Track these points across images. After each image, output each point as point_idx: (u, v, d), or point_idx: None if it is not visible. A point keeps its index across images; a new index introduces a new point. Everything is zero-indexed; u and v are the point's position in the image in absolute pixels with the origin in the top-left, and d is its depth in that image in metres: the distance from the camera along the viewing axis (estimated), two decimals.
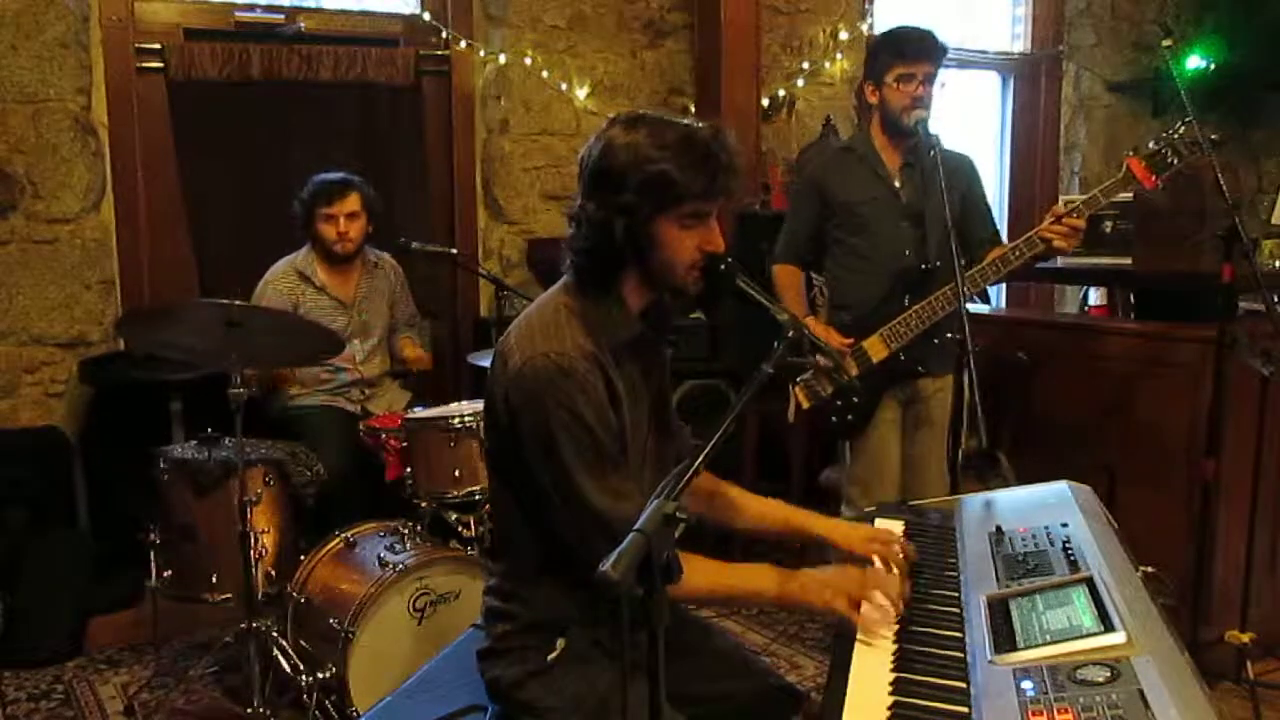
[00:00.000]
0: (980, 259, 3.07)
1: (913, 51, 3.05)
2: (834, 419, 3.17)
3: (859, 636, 1.60)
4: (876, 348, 3.08)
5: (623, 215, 1.68)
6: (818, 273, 3.39)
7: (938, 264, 3.09)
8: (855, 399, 3.12)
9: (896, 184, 3.16)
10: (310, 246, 3.68)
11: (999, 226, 3.40)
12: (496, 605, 1.86)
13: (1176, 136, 2.81)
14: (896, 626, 1.63)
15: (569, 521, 1.70)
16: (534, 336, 1.72)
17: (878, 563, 1.84)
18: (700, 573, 1.70)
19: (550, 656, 1.78)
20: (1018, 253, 2.98)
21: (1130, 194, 3.01)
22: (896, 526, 2.05)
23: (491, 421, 1.81)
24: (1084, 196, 2.97)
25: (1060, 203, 3.06)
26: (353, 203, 3.61)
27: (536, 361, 1.68)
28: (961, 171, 3.20)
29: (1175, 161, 2.81)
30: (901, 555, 1.83)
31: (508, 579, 1.87)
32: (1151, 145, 2.84)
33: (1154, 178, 2.82)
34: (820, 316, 3.29)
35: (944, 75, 3.14)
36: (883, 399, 3.16)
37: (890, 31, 3.18)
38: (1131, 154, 2.86)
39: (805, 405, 3.16)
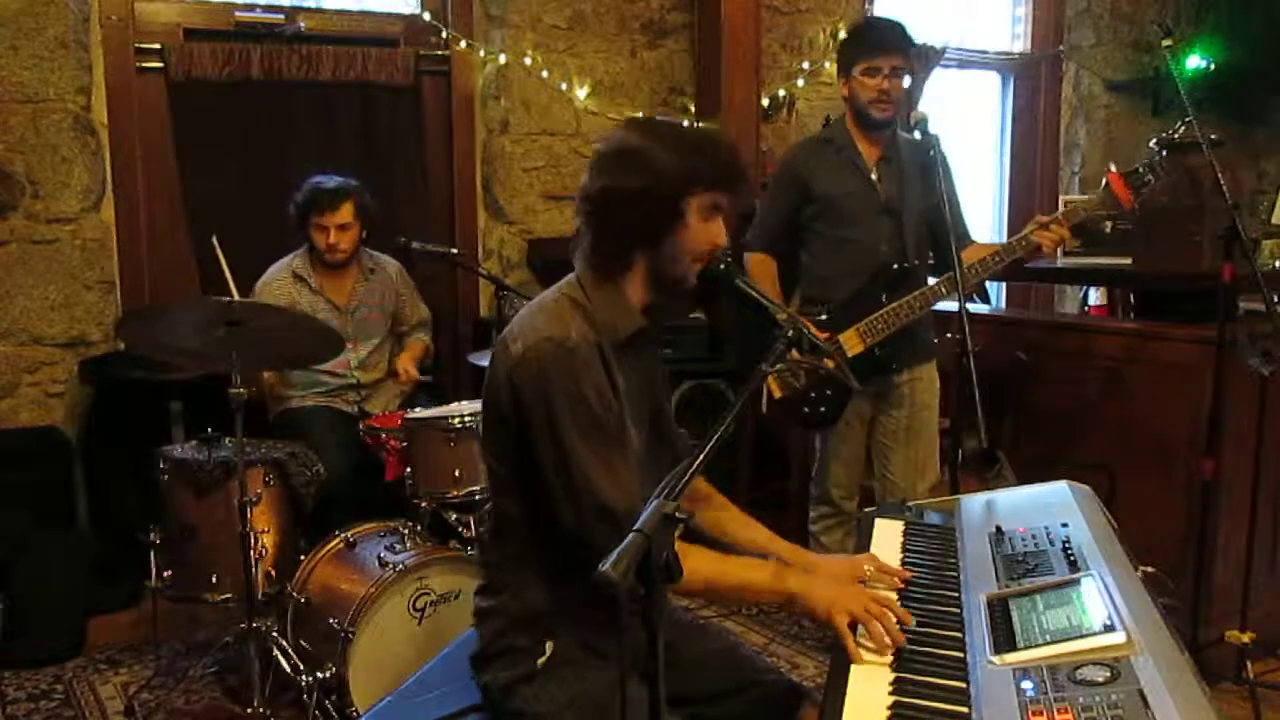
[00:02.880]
0: (949, 253, 3.06)
1: (874, 43, 3.03)
2: (806, 410, 3.16)
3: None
4: (852, 342, 3.07)
5: (655, 187, 1.71)
6: (790, 264, 3.35)
7: (916, 262, 3.09)
8: (828, 392, 3.11)
9: (874, 177, 3.15)
10: (307, 248, 3.68)
11: (998, 224, 3.40)
12: (485, 605, 1.87)
13: (1157, 157, 2.85)
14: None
15: (571, 506, 1.71)
16: (537, 324, 1.75)
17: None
18: (699, 563, 1.71)
19: (539, 660, 1.79)
20: (997, 258, 3.00)
21: (1107, 211, 3.02)
22: (896, 527, 2.05)
23: (493, 407, 1.82)
24: (1066, 209, 3.00)
25: (1060, 203, 3.07)
26: (345, 213, 3.58)
27: (541, 346, 1.71)
28: (942, 165, 3.20)
29: (1151, 180, 2.85)
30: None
31: (495, 572, 1.88)
32: (1134, 165, 2.87)
33: (1130, 194, 2.85)
34: (794, 306, 3.27)
35: (903, 63, 3.10)
36: (854, 394, 3.16)
37: (856, 24, 3.19)
38: (1110, 169, 2.90)
39: (777, 395, 3.15)
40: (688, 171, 1.72)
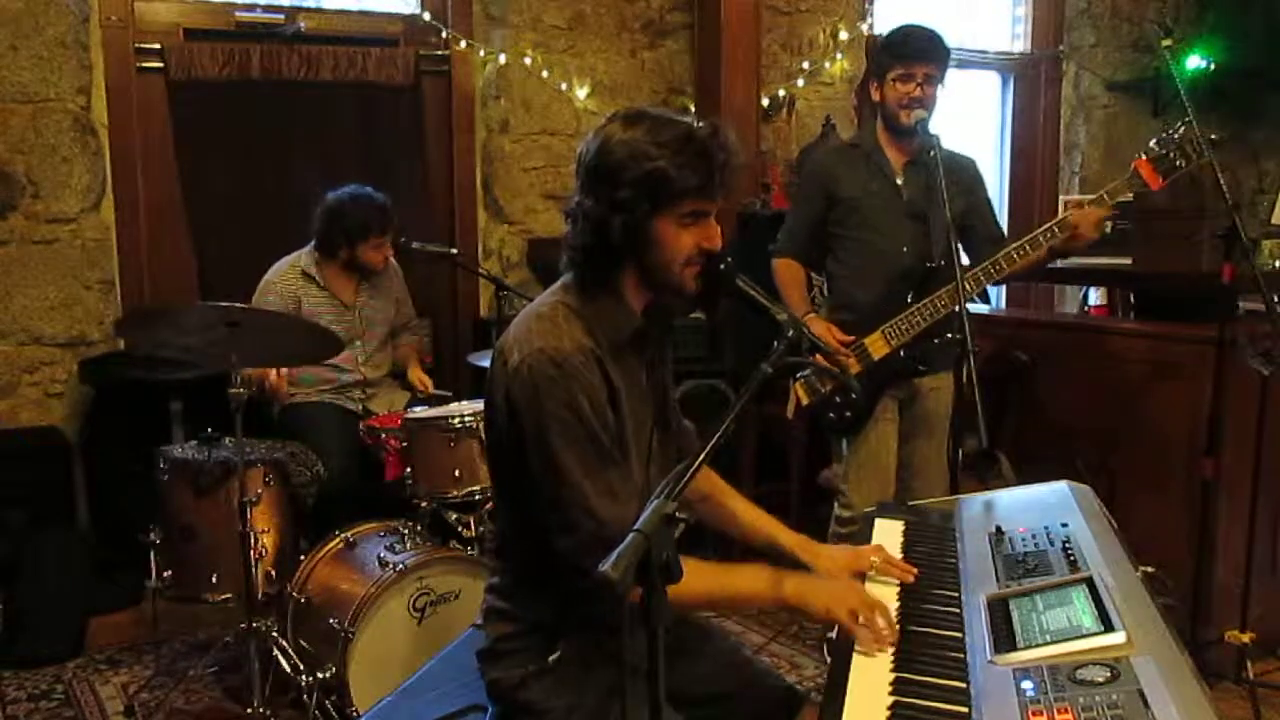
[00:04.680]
0: (986, 258, 3.07)
1: (910, 52, 3.06)
2: (832, 415, 3.17)
3: (856, 649, 1.57)
4: (877, 344, 3.07)
5: (620, 212, 1.67)
6: (818, 270, 3.39)
7: (942, 263, 3.09)
8: (854, 396, 3.12)
9: (899, 181, 3.16)
10: (319, 247, 3.65)
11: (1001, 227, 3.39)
12: (498, 605, 1.86)
13: (1181, 137, 2.83)
14: (895, 627, 1.63)
15: (563, 525, 1.68)
16: (531, 334, 1.71)
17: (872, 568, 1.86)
18: (694, 575, 1.69)
19: (551, 658, 1.78)
20: (1032, 244, 2.95)
21: (1131, 195, 3.00)
22: (896, 527, 2.05)
23: (491, 421, 1.80)
24: (1090, 197, 2.97)
25: (1060, 203, 3.06)
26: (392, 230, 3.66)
27: (534, 358, 1.67)
28: (966, 173, 3.21)
29: (1182, 164, 2.83)
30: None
31: (509, 579, 1.87)
32: (1158, 147, 2.84)
33: (1160, 179, 2.83)
34: (822, 314, 3.29)
35: (947, 76, 3.14)
36: (882, 398, 3.16)
37: (893, 31, 3.18)
38: (1140, 156, 2.87)
39: (805, 402, 3.16)
40: (650, 188, 1.65)
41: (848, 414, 3.15)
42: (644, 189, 1.65)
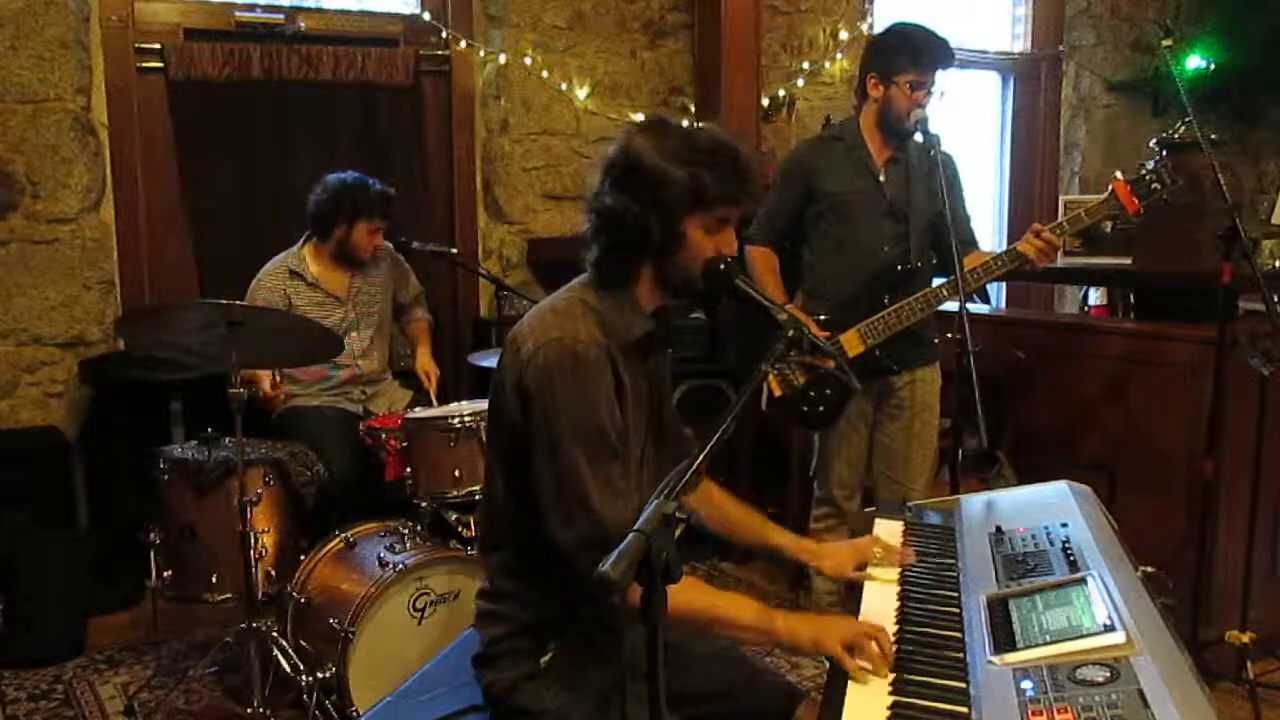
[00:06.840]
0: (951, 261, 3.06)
1: (929, 59, 3.02)
2: (805, 409, 3.16)
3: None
4: (852, 342, 3.06)
5: (661, 211, 1.71)
6: (794, 258, 3.34)
7: (919, 264, 3.10)
8: (828, 391, 3.11)
9: (881, 178, 3.15)
10: (309, 242, 3.65)
11: (999, 225, 3.40)
12: (489, 608, 1.86)
13: (1159, 164, 2.84)
14: (895, 628, 1.62)
15: (561, 516, 1.68)
16: (547, 324, 1.75)
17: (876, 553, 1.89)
18: (681, 590, 1.67)
19: (544, 660, 1.79)
20: (993, 266, 2.99)
21: (1112, 216, 3.00)
22: (896, 527, 2.05)
23: (499, 410, 1.81)
24: (1070, 215, 2.98)
25: (1060, 203, 3.06)
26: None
27: (550, 347, 1.70)
28: (949, 170, 3.19)
29: (1158, 188, 2.85)
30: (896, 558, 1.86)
31: (500, 578, 1.87)
32: (1139, 170, 2.86)
33: (1136, 202, 2.85)
34: (796, 303, 3.28)
35: (943, 82, 3.13)
36: (855, 394, 3.16)
37: (909, 31, 3.10)
38: (1118, 176, 2.88)
39: (776, 393, 3.15)
40: (692, 192, 1.71)
41: (821, 408, 3.14)
42: (688, 192, 1.71)
